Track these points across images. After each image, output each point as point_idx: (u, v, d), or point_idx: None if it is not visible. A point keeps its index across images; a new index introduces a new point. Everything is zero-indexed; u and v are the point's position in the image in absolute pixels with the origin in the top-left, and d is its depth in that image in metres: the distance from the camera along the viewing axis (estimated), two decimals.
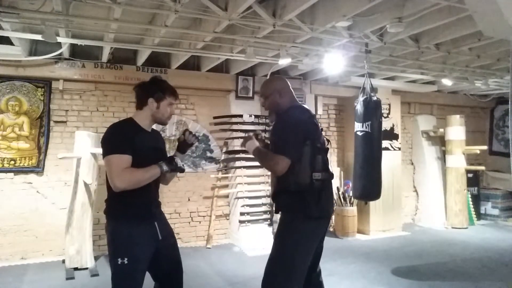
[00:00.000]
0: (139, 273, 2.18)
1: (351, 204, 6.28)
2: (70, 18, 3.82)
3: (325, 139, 2.53)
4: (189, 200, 5.81)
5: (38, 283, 4.14)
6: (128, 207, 2.21)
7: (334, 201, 2.48)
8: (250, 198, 5.80)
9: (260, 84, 5.97)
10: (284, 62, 4.89)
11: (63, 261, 4.59)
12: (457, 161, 7.08)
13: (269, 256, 2.36)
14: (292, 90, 2.64)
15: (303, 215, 2.29)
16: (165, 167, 2.19)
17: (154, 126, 2.43)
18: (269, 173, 2.57)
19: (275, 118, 2.56)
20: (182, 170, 2.28)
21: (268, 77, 5.92)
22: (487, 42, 4.50)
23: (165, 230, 2.34)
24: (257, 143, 2.50)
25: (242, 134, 5.38)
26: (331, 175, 2.44)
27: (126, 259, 2.12)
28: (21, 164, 4.92)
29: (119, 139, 2.18)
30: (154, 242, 2.25)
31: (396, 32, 3.98)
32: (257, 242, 5.46)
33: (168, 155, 2.38)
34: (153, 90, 2.30)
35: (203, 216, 5.88)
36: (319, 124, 2.57)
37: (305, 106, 2.58)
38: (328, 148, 2.51)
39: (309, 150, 2.31)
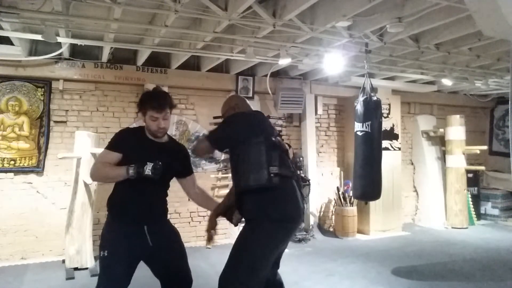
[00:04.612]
0: (118, 268, 2.26)
1: (351, 204, 6.28)
2: (70, 18, 3.82)
3: (286, 145, 2.54)
4: (189, 200, 5.76)
5: (38, 283, 4.13)
6: (119, 206, 2.36)
7: (301, 206, 2.33)
8: None
9: (261, 84, 6.09)
10: (284, 62, 4.90)
11: (63, 261, 4.59)
12: (457, 161, 7.08)
13: (229, 256, 2.29)
14: (249, 105, 2.66)
15: (263, 218, 2.23)
16: (130, 171, 2.21)
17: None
18: None
19: None
20: (149, 177, 2.21)
21: (268, 77, 5.96)
22: (487, 42, 4.50)
23: (161, 237, 2.37)
24: None
25: None
26: (293, 174, 2.37)
27: (106, 251, 2.26)
28: (21, 164, 4.92)
29: (116, 138, 2.40)
30: (143, 247, 2.31)
31: (396, 32, 3.98)
32: None
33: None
34: (140, 104, 2.40)
35: (203, 216, 5.88)
36: (275, 127, 2.62)
37: (260, 112, 2.61)
38: (287, 150, 2.47)
39: (263, 144, 2.27)
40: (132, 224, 2.32)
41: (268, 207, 2.23)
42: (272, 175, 2.21)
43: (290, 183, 2.32)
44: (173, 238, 2.47)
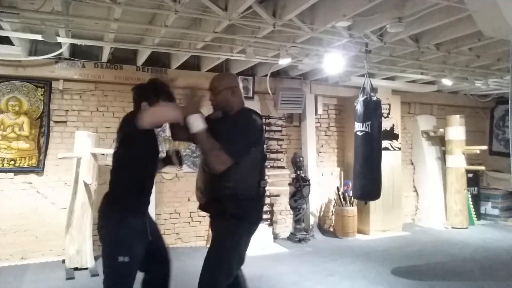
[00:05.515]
0: (135, 270, 2.21)
1: (351, 204, 6.28)
2: (70, 18, 3.82)
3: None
4: (189, 200, 5.81)
5: (38, 283, 4.13)
6: (136, 199, 2.23)
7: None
8: None
9: (261, 84, 6.09)
10: (284, 62, 4.89)
11: (63, 261, 4.58)
12: (457, 161, 7.08)
13: (207, 255, 2.28)
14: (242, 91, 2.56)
15: (247, 221, 2.30)
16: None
17: None
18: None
19: (220, 115, 2.42)
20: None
21: (268, 77, 5.95)
22: (487, 42, 4.50)
23: (151, 227, 2.34)
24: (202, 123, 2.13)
25: None
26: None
27: (127, 257, 2.10)
28: (21, 164, 4.92)
29: None
30: (145, 239, 2.26)
31: (396, 32, 3.97)
32: (256, 242, 5.43)
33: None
34: (147, 94, 2.23)
35: (203, 216, 5.87)
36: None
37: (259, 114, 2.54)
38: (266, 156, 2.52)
39: (259, 157, 2.30)
40: (143, 218, 2.24)
41: (249, 211, 2.30)
42: (261, 188, 2.32)
43: (265, 190, 2.46)
44: (154, 222, 2.46)
